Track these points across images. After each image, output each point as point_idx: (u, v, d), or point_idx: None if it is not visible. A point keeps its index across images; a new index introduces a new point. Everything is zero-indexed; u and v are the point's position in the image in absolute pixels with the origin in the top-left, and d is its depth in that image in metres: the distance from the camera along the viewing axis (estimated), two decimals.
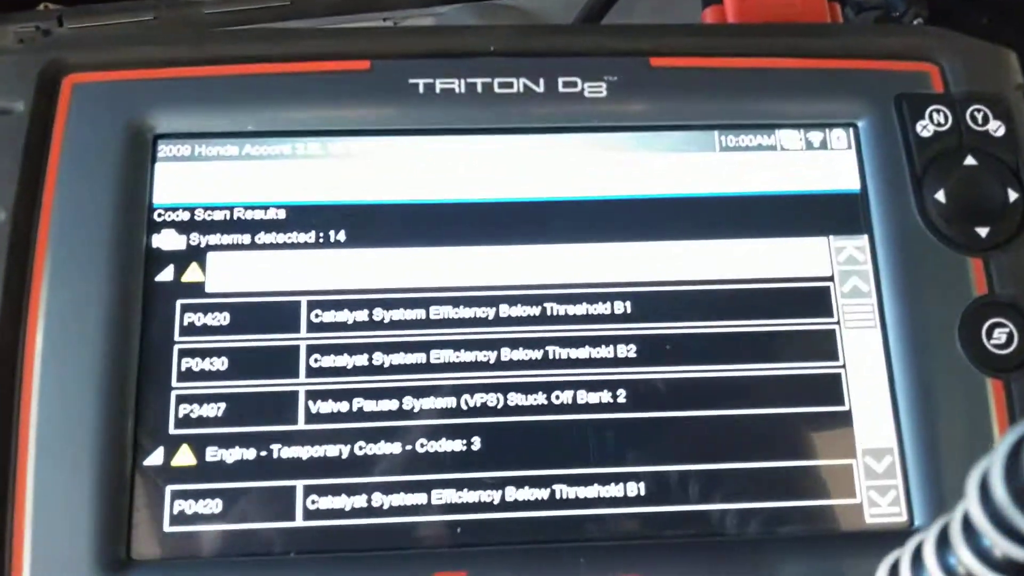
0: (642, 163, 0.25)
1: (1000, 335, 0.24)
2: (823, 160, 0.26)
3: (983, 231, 0.25)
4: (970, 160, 0.25)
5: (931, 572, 0.15)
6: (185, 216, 0.24)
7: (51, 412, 0.22)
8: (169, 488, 0.22)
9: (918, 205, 0.25)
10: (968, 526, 0.14)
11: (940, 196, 0.25)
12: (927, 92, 0.26)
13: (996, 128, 0.25)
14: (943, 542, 0.15)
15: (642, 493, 0.23)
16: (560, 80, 0.25)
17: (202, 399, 0.23)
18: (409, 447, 0.23)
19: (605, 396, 0.24)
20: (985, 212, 0.25)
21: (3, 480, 0.21)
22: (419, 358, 0.24)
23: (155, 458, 0.22)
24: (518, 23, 0.36)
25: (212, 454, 0.23)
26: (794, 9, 0.28)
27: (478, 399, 0.23)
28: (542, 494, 0.23)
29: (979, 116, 0.25)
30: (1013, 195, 0.25)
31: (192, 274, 0.24)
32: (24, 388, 0.22)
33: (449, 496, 0.23)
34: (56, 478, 0.22)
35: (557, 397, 0.24)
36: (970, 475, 0.14)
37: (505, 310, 0.24)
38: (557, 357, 0.24)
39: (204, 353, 0.23)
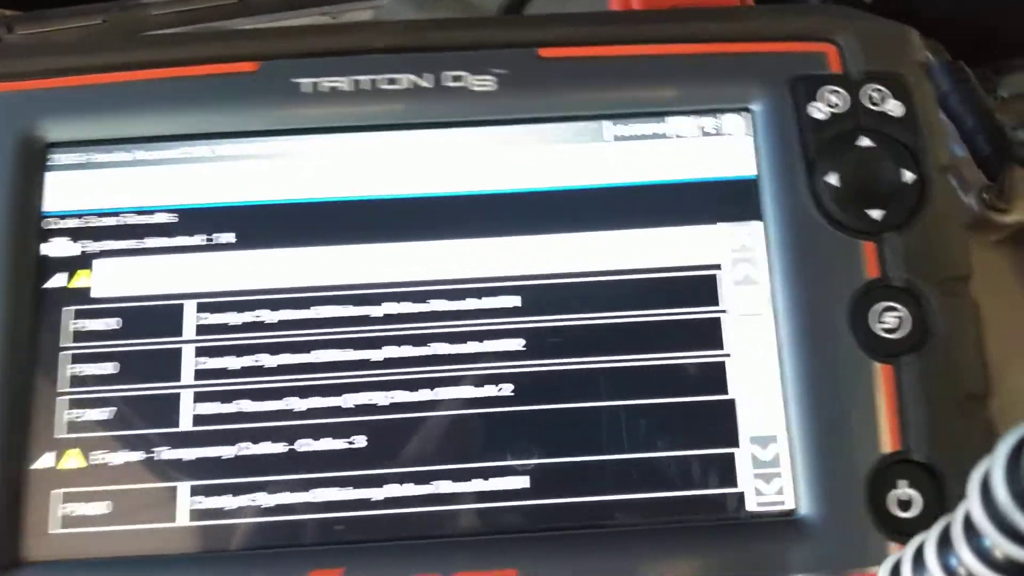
0: (533, 156, 0.25)
1: (891, 319, 0.23)
2: (718, 146, 0.25)
3: (877, 214, 0.24)
4: (865, 141, 0.24)
5: (932, 572, 0.15)
6: (75, 223, 0.25)
7: None
8: (58, 491, 0.23)
9: (810, 189, 0.24)
10: (969, 526, 0.14)
11: (833, 179, 0.24)
12: (822, 73, 0.25)
13: (894, 108, 0.25)
14: (944, 542, 0.15)
15: (526, 486, 0.23)
16: (447, 75, 0.25)
17: (91, 403, 0.23)
18: (291, 447, 0.23)
19: (491, 390, 0.24)
20: (879, 194, 0.24)
21: None
22: (303, 358, 0.24)
23: (45, 461, 0.23)
24: (457, 13, 0.36)
25: (100, 457, 0.23)
26: None
27: (362, 397, 0.23)
28: (423, 490, 0.23)
29: (876, 96, 0.25)
30: (909, 176, 0.24)
31: (80, 280, 0.24)
32: None
33: (330, 494, 0.23)
34: None
35: (442, 393, 0.24)
36: (972, 476, 0.14)
37: (390, 307, 0.24)
38: (442, 353, 0.24)
39: (92, 358, 0.24)
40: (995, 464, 0.13)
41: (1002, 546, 0.13)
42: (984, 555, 0.14)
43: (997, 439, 0.23)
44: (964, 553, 0.14)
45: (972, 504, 0.14)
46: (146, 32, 0.37)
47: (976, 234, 0.30)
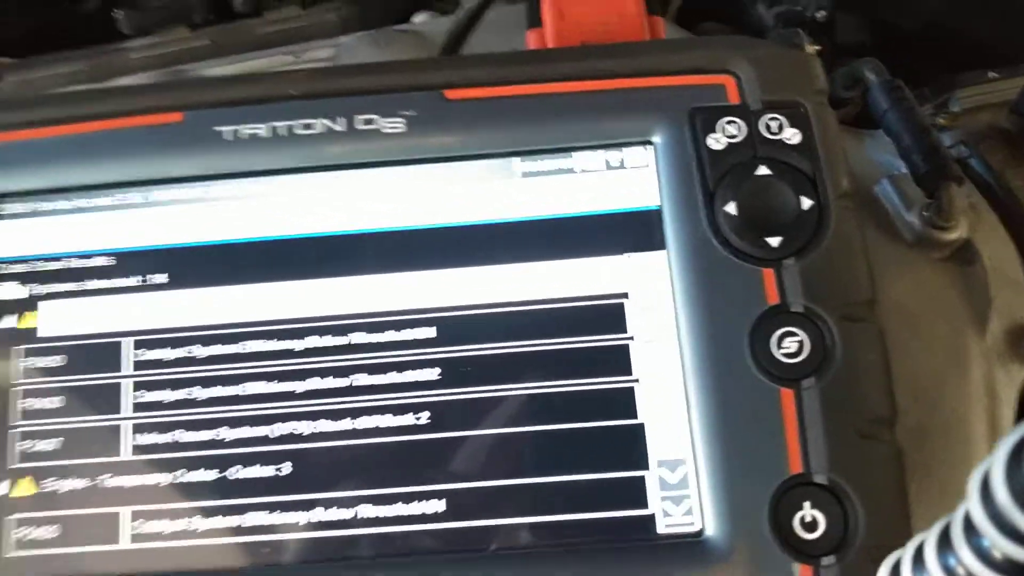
0: (444, 193, 0.26)
1: (790, 344, 0.24)
2: (622, 179, 0.26)
3: (775, 241, 0.25)
4: (763, 170, 0.25)
5: (931, 572, 0.15)
6: (24, 268, 0.27)
7: None
8: (12, 517, 0.25)
9: (709, 219, 0.25)
10: (969, 526, 0.14)
11: (731, 208, 0.25)
12: (720, 104, 0.26)
13: (791, 136, 0.25)
14: (944, 542, 0.15)
15: (441, 510, 0.24)
16: (358, 118, 0.26)
17: (40, 435, 0.25)
18: (224, 473, 0.25)
19: (408, 419, 0.25)
20: (777, 222, 0.25)
21: None
22: (233, 391, 0.25)
23: (0, 489, 0.25)
24: (414, 49, 0.37)
25: (50, 484, 0.25)
26: (610, 28, 0.28)
27: (289, 427, 0.25)
28: (347, 514, 0.24)
29: (774, 125, 0.25)
30: (807, 203, 0.25)
31: (30, 321, 0.26)
32: None
33: (260, 518, 0.24)
34: None
35: (363, 422, 0.25)
36: (972, 476, 0.14)
37: (313, 341, 0.26)
38: (363, 384, 0.25)
39: (41, 393, 0.25)
40: (995, 464, 0.13)
41: (1001, 546, 0.13)
42: (983, 555, 0.14)
43: (903, 462, 0.23)
44: (963, 553, 0.14)
45: (972, 504, 0.14)
46: (125, 75, 0.39)
47: (919, 252, 0.30)
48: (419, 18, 0.40)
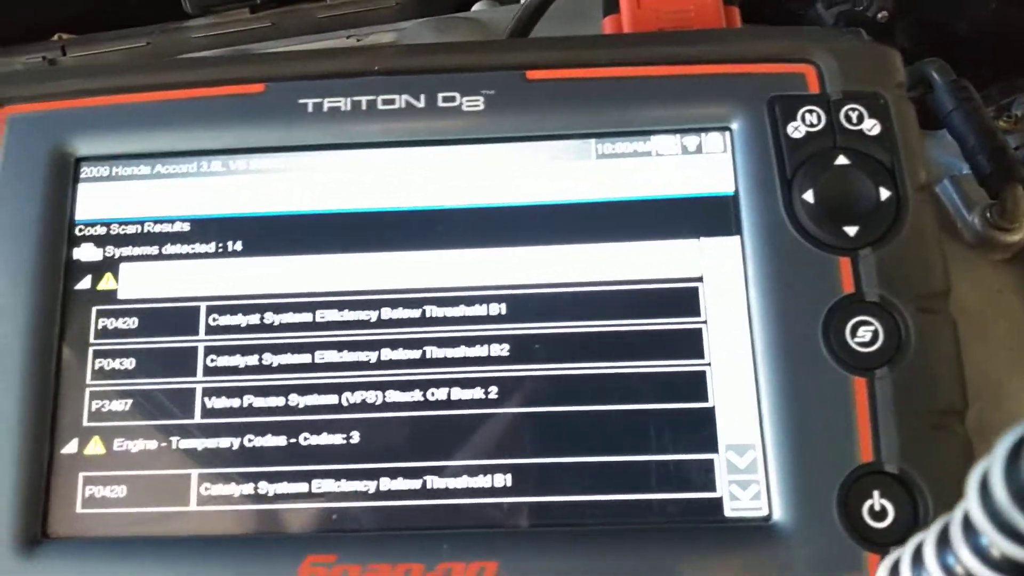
0: (520, 173, 0.27)
1: (865, 333, 0.24)
2: (698, 164, 0.26)
3: (852, 230, 0.25)
4: (842, 160, 0.25)
5: (930, 571, 0.15)
6: (102, 231, 0.27)
7: None
8: (82, 474, 0.25)
9: (786, 206, 0.25)
10: (968, 525, 0.14)
11: (809, 196, 0.25)
12: (800, 93, 0.26)
13: (871, 127, 0.25)
14: (943, 541, 0.15)
15: (508, 484, 0.24)
16: (439, 95, 0.26)
17: (112, 395, 0.25)
18: (293, 440, 0.25)
19: (477, 393, 0.25)
20: (855, 211, 0.25)
21: None
22: (305, 358, 0.26)
23: (70, 447, 0.25)
24: (474, 36, 0.38)
25: (120, 444, 0.25)
26: (687, 16, 0.29)
27: (358, 396, 0.25)
28: (414, 484, 0.24)
29: (854, 115, 0.26)
30: (885, 193, 0.25)
31: (107, 282, 0.26)
32: None
33: (327, 485, 0.25)
34: None
35: (432, 394, 0.25)
36: (971, 475, 0.14)
37: (386, 313, 0.26)
38: (434, 356, 0.25)
39: (115, 354, 0.26)
40: (994, 463, 0.13)
41: (1000, 545, 0.13)
42: (982, 554, 0.14)
43: (972, 453, 0.23)
44: (962, 552, 0.14)
45: (971, 503, 0.14)
46: (186, 54, 0.39)
47: (981, 253, 0.30)
48: (479, 6, 0.40)
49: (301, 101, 0.26)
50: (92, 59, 0.37)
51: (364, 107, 0.26)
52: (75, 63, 0.35)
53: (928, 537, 0.15)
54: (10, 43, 0.43)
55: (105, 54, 0.41)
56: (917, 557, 0.16)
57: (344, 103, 0.26)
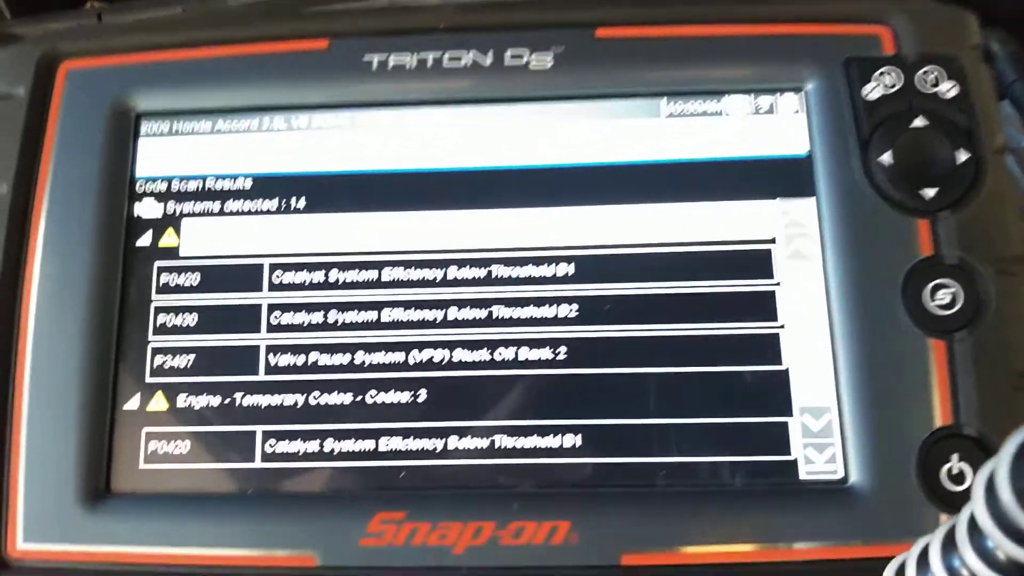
0: (588, 131, 0.26)
1: (944, 296, 0.24)
2: (771, 125, 0.26)
3: (930, 192, 0.24)
4: (919, 122, 0.25)
5: (936, 574, 0.15)
6: (163, 187, 0.26)
7: (43, 361, 0.25)
8: (144, 430, 0.25)
9: (864, 167, 0.25)
10: (974, 528, 0.14)
11: (886, 158, 0.25)
12: (877, 55, 0.25)
13: (948, 89, 0.25)
14: (949, 543, 0.15)
15: (578, 445, 0.24)
16: (507, 53, 0.26)
17: (174, 351, 0.25)
18: (360, 398, 0.25)
19: (546, 353, 0.25)
20: (932, 173, 0.24)
21: (1, 421, 0.24)
22: (371, 316, 0.25)
23: (133, 403, 0.25)
24: None
25: (182, 400, 0.25)
26: None
27: (425, 355, 0.25)
28: (482, 443, 0.24)
29: (931, 78, 0.25)
30: (963, 156, 0.25)
31: (168, 239, 0.26)
32: (20, 339, 0.25)
33: (395, 443, 0.24)
34: (47, 420, 0.24)
35: (500, 354, 0.25)
36: (976, 477, 0.14)
37: (453, 272, 0.25)
38: (501, 316, 0.25)
39: (177, 310, 0.25)
40: (1000, 465, 0.13)
41: (1005, 547, 0.13)
42: (987, 556, 0.14)
43: None
44: (968, 554, 0.14)
45: (976, 505, 0.14)
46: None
47: None
48: None
49: (366, 58, 0.26)
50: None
51: (430, 64, 0.26)
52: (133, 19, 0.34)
53: (934, 539, 0.15)
54: (43, 11, 0.42)
55: (140, 22, 0.40)
56: (923, 559, 0.16)
57: (410, 60, 0.26)
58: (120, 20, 0.40)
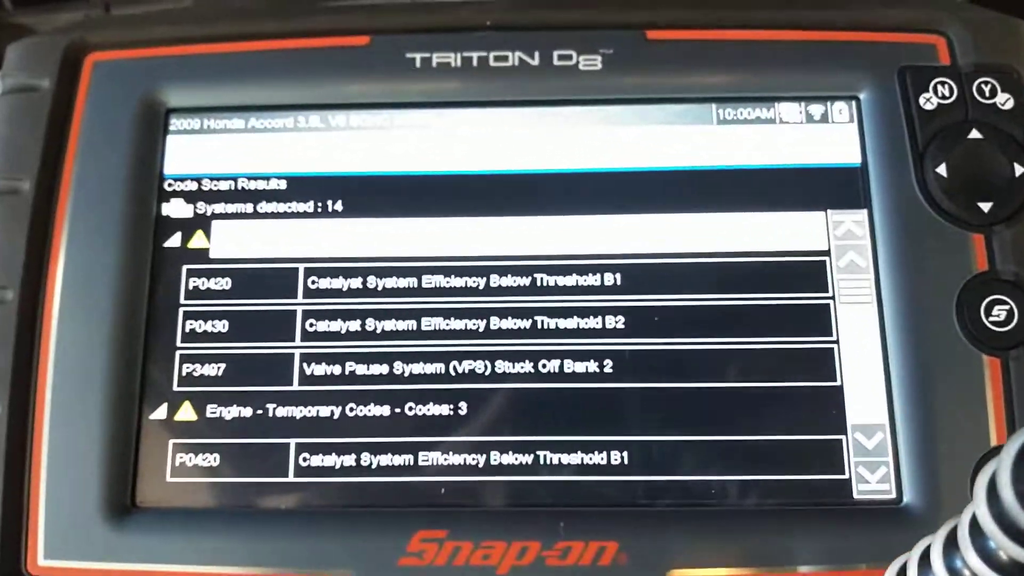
0: (637, 136, 0.25)
1: (999, 312, 0.23)
2: (824, 133, 0.25)
3: (986, 206, 0.24)
4: (975, 134, 0.24)
5: (937, 575, 0.15)
6: (193, 186, 0.25)
7: (65, 367, 0.23)
8: (171, 441, 0.23)
9: (919, 179, 0.24)
10: (975, 529, 0.14)
11: (942, 170, 0.24)
12: (932, 64, 0.25)
13: (1004, 101, 0.25)
14: (951, 544, 0.15)
15: (625, 462, 0.23)
16: (555, 53, 0.25)
17: (204, 359, 0.24)
18: (398, 410, 0.24)
19: (592, 366, 0.24)
20: (989, 187, 0.24)
21: (22, 430, 0.23)
22: (410, 325, 0.24)
23: (159, 413, 0.24)
24: None
25: (212, 411, 0.24)
26: None
27: (466, 366, 0.24)
28: (526, 459, 0.23)
29: (987, 89, 0.25)
30: (1020, 169, 0.24)
31: (198, 241, 0.25)
32: (42, 344, 0.24)
33: (435, 458, 0.23)
34: (69, 429, 0.23)
35: (544, 366, 0.24)
36: (978, 478, 0.14)
37: (495, 280, 0.25)
38: (545, 327, 0.24)
39: (207, 316, 0.24)
40: (1002, 466, 0.13)
41: (1007, 548, 0.13)
42: (989, 557, 0.14)
43: None
44: (969, 555, 0.14)
45: (978, 506, 0.13)
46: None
47: None
48: None
49: (408, 55, 0.25)
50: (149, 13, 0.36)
51: (475, 64, 0.25)
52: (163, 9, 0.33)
53: (935, 540, 0.15)
54: (46, 1, 0.41)
55: (150, 14, 0.39)
56: (924, 560, 0.15)
57: (454, 59, 0.25)
58: (127, 11, 0.39)
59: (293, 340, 0.24)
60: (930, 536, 0.16)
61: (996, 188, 0.24)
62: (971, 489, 0.22)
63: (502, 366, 0.24)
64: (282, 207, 0.25)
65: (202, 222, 0.25)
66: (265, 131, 0.26)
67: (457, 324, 0.24)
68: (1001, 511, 0.13)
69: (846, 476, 0.23)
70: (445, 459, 0.23)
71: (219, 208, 0.25)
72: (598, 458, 0.23)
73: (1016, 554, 0.13)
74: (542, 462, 0.23)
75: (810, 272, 0.24)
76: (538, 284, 0.24)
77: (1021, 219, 0.24)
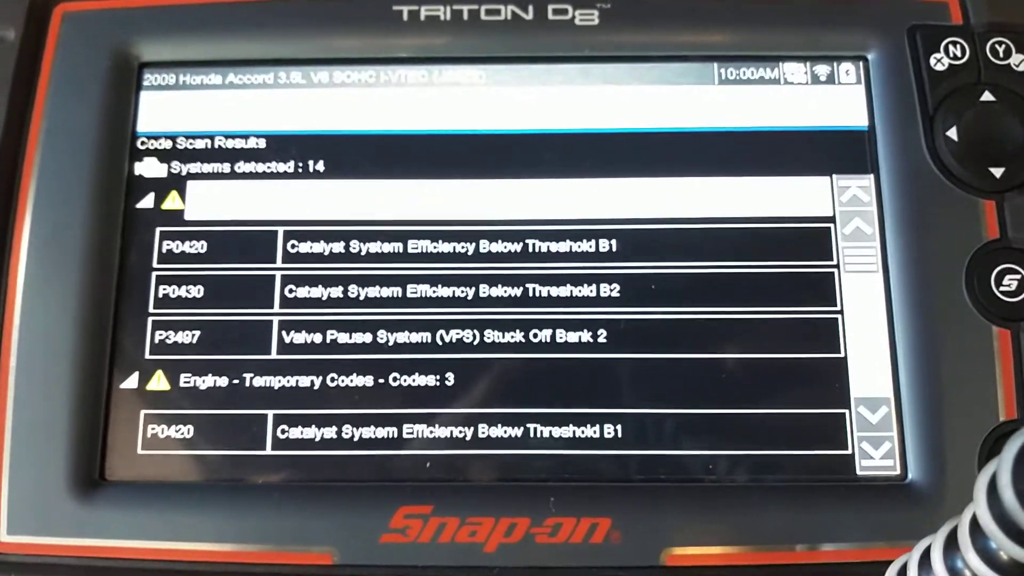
0: (635, 95, 0.24)
1: (1011, 282, 0.22)
2: (829, 95, 0.24)
3: (998, 171, 0.23)
4: (988, 96, 0.23)
5: (938, 575, 0.15)
6: (167, 144, 0.24)
7: (31, 334, 0.22)
8: (143, 412, 0.22)
9: (928, 143, 0.23)
10: (976, 529, 0.14)
11: (952, 134, 0.23)
12: (943, 23, 0.24)
13: (1019, 62, 0.24)
14: (951, 544, 0.15)
15: (619, 436, 0.22)
16: (550, 7, 0.24)
17: (178, 326, 0.23)
18: (381, 380, 0.22)
19: (585, 336, 0.23)
20: (1001, 151, 0.23)
21: None
22: (395, 292, 0.23)
23: (130, 382, 0.22)
24: None
25: (185, 380, 0.22)
26: None
27: (454, 335, 0.23)
28: (515, 432, 0.22)
29: (1000, 49, 0.24)
30: None
31: (172, 202, 0.24)
32: (7, 309, 0.22)
33: (420, 431, 0.22)
34: (34, 399, 0.22)
35: (535, 335, 0.23)
36: (978, 478, 0.14)
37: (485, 245, 0.23)
38: (537, 295, 0.23)
39: (181, 280, 0.23)
40: (1002, 466, 0.13)
41: (1008, 548, 0.13)
42: (989, 558, 0.14)
43: None
44: (970, 555, 0.14)
45: (979, 506, 0.13)
46: None
47: None
48: None
49: (395, 7, 0.24)
50: None
51: (466, 17, 0.24)
52: None
53: (936, 540, 0.15)
54: None
55: None
56: (924, 561, 0.15)
57: (443, 11, 0.24)
58: None
59: (271, 307, 0.23)
60: (930, 536, 0.15)
61: (1009, 153, 0.23)
62: (978, 466, 0.22)
63: (491, 335, 0.23)
64: (261, 167, 0.24)
65: (176, 182, 0.24)
66: (244, 87, 0.24)
67: (444, 291, 0.23)
68: (1001, 511, 0.13)
69: (849, 452, 0.22)
70: (431, 432, 0.22)
71: (194, 168, 0.24)
72: (591, 431, 0.22)
73: (1016, 554, 0.13)
74: (532, 435, 0.22)
75: (814, 239, 0.23)
76: (530, 250, 0.23)
77: None
